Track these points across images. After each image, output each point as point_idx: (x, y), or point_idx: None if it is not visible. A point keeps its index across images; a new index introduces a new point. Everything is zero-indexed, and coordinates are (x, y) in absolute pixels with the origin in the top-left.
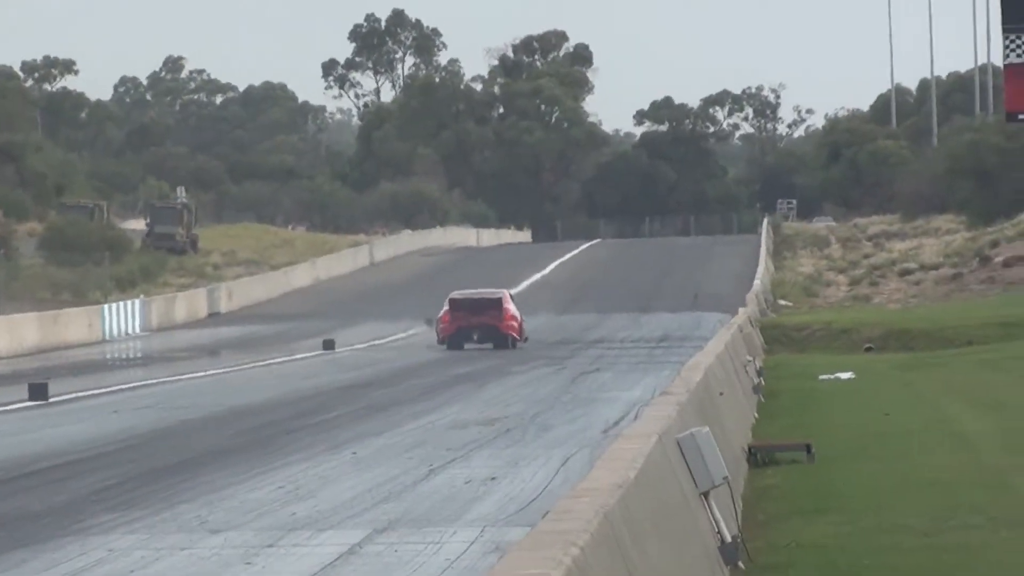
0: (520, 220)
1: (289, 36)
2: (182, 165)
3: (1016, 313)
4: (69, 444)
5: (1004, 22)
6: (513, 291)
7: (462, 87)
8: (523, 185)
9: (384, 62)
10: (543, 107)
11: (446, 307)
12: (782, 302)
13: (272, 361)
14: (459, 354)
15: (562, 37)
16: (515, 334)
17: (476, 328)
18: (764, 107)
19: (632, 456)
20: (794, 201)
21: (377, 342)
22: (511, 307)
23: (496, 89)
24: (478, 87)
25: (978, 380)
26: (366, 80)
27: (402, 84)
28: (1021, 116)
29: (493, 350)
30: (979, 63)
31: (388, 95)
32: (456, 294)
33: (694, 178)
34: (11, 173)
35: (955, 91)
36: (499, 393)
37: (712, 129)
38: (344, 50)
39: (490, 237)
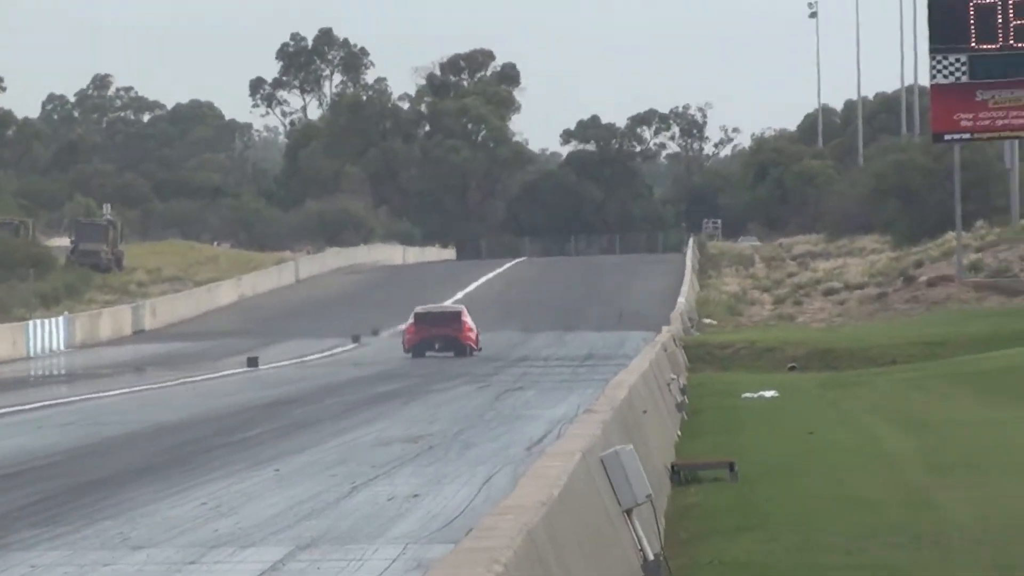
0: (446, 238)
1: (216, 54)
2: (109, 182)
3: (940, 332)
4: None
5: (931, 43)
6: None
7: (389, 105)
8: (449, 203)
9: (311, 80)
10: (470, 126)
11: (411, 320)
12: (707, 321)
13: (196, 378)
14: (381, 373)
15: (489, 56)
16: (472, 344)
17: (438, 338)
18: (691, 127)
19: (556, 474)
20: (719, 220)
21: (302, 359)
22: (468, 320)
23: (423, 107)
24: (405, 105)
25: (902, 399)
26: (293, 98)
27: (329, 102)
28: (948, 136)
29: (436, 360)
30: (906, 84)
31: (315, 113)
32: (420, 308)
33: (620, 197)
34: None
35: (881, 111)
36: (423, 411)
37: (639, 148)
38: (271, 68)
39: (415, 255)
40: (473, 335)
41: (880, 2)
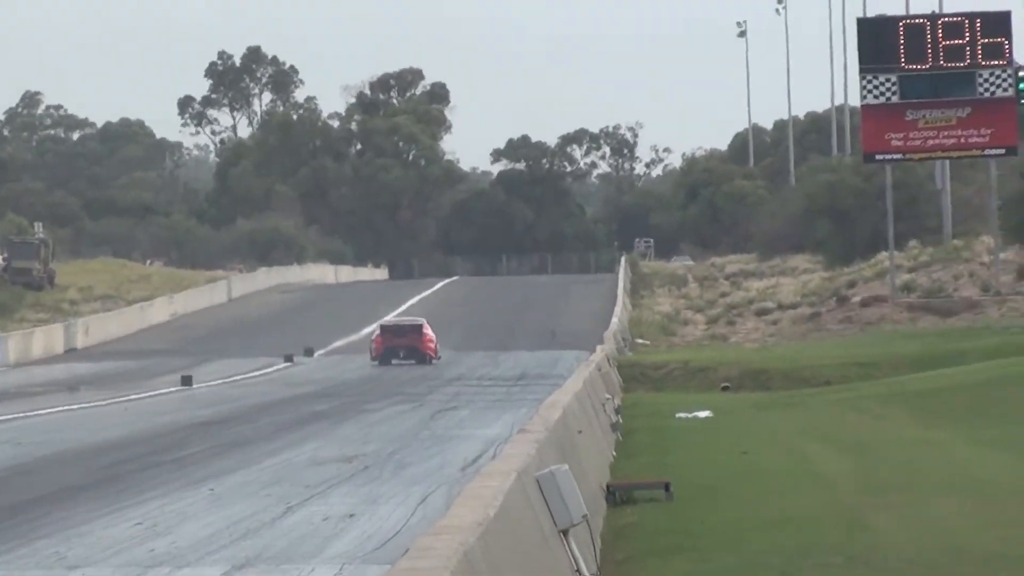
0: (377, 257)
1: (146, 72)
2: (39, 201)
3: (873, 353)
4: None
5: (861, 63)
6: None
7: (319, 124)
8: (380, 222)
9: (240, 99)
10: (400, 144)
11: (377, 331)
12: (640, 341)
13: (129, 397)
14: (315, 392)
15: (418, 75)
16: (432, 352)
17: (402, 348)
18: (622, 146)
19: (491, 494)
20: (652, 240)
21: (235, 378)
22: (429, 332)
23: (353, 126)
24: (335, 124)
25: (835, 420)
26: (223, 117)
27: (259, 121)
28: (879, 156)
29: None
30: (836, 103)
31: (245, 132)
32: (385, 321)
33: (551, 216)
34: None
35: (812, 131)
36: (356, 430)
37: (569, 168)
38: (200, 87)
39: (347, 274)
40: (433, 345)
41: (810, 21)
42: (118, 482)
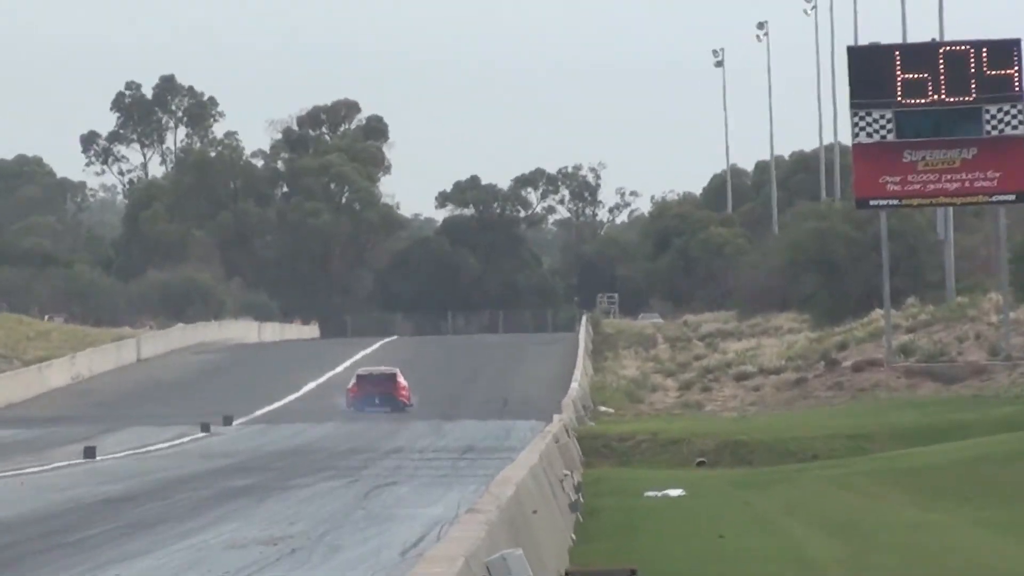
0: (307, 313)
1: (46, 104)
2: None
3: (866, 424)
4: None
5: (853, 97)
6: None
7: (241, 163)
8: (310, 274)
9: (152, 134)
10: (332, 186)
11: (354, 381)
12: (603, 409)
13: (25, 470)
14: (234, 465)
15: (354, 108)
16: (406, 400)
17: (377, 395)
18: (582, 189)
19: None
20: (616, 295)
21: (145, 450)
22: (402, 380)
23: (280, 165)
24: (259, 163)
25: (824, 499)
26: (132, 154)
27: (173, 159)
28: (872, 202)
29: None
30: (824, 142)
31: (158, 171)
32: (362, 371)
33: (503, 268)
34: None
35: (798, 172)
36: (282, 508)
37: (524, 213)
38: (107, 121)
39: (273, 332)
40: (406, 393)
41: (795, 49)
42: (11, 568)
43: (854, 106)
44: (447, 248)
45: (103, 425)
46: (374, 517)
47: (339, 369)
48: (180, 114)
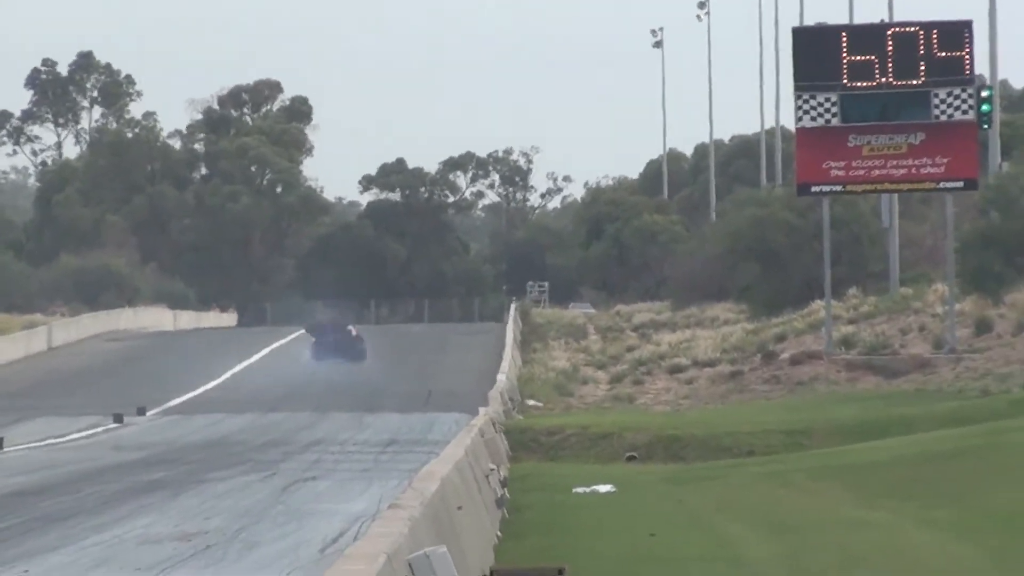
0: (225, 301)
1: None
2: None
3: (804, 419)
4: None
5: (797, 79)
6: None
7: (158, 144)
8: (228, 260)
9: (67, 113)
10: (253, 168)
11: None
12: (531, 402)
13: None
14: (148, 458)
15: (276, 88)
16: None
17: (337, 345)
18: (513, 173)
19: None
20: (546, 284)
21: (54, 441)
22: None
23: (198, 147)
24: (177, 144)
25: (761, 496)
26: (46, 134)
27: (88, 139)
28: (815, 188)
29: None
30: (766, 126)
31: (72, 152)
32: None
33: (429, 255)
34: None
35: (738, 157)
36: (197, 503)
37: (452, 198)
38: (20, 99)
39: (189, 320)
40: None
41: (737, 30)
42: None
43: (798, 89)
44: (371, 234)
45: (12, 415)
46: (293, 512)
47: (256, 358)
48: (96, 93)
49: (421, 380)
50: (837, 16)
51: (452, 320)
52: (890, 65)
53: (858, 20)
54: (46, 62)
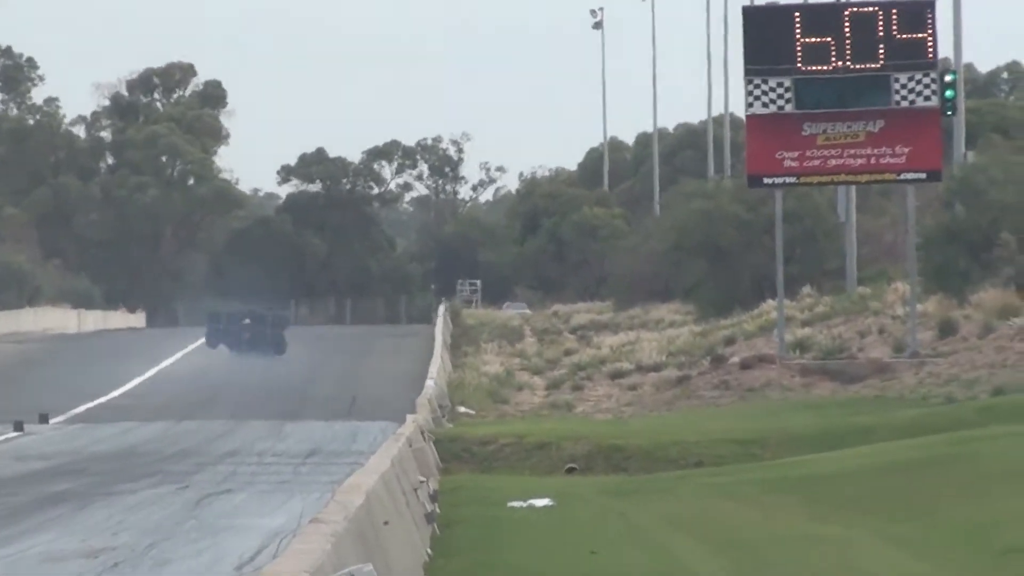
0: (133, 300)
1: None
2: None
3: (757, 427)
4: None
5: (747, 63)
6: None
7: (62, 131)
8: (137, 257)
9: None
10: (163, 159)
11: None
12: (462, 409)
13: None
14: (52, 468)
15: (189, 72)
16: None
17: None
18: (443, 163)
19: None
20: (478, 282)
21: None
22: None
23: (105, 135)
24: (82, 132)
25: (709, 510)
26: None
27: None
28: (767, 180)
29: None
30: (713, 113)
31: None
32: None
33: (353, 252)
34: None
35: (684, 147)
36: (104, 517)
37: (377, 190)
38: None
39: (95, 321)
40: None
41: (683, 9)
42: None
43: (748, 73)
44: (290, 229)
45: None
46: (207, 528)
47: (168, 362)
48: None
49: (344, 386)
50: None
51: (377, 321)
52: (847, 47)
53: None
54: None
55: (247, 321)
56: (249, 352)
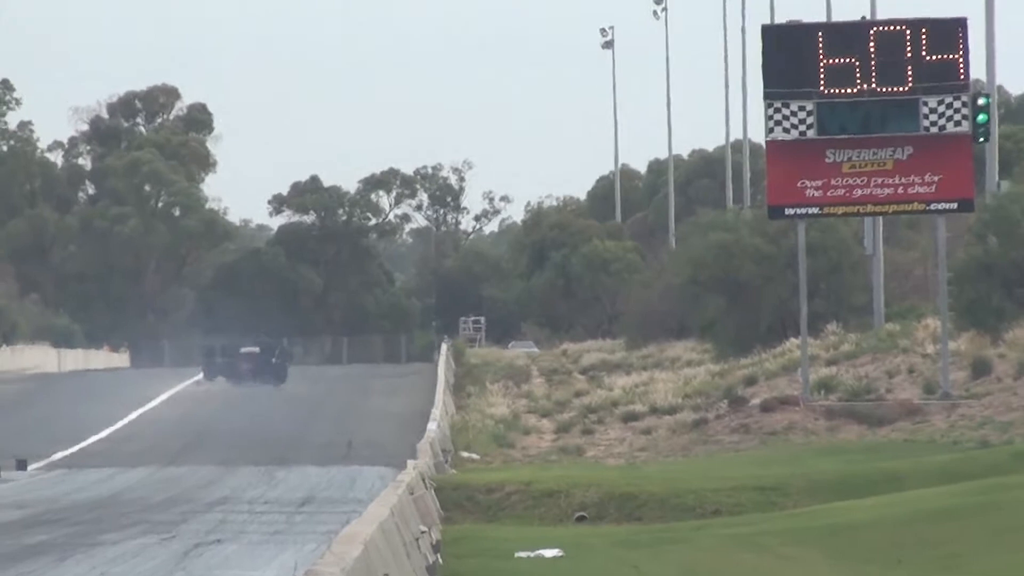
0: (116, 338)
1: None
2: None
3: (778, 474)
4: None
5: (767, 85)
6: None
7: (37, 158)
8: (119, 292)
9: None
10: (146, 187)
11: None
12: (466, 454)
13: None
14: (30, 518)
15: (173, 95)
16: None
17: (254, 369)
18: (444, 193)
19: None
20: (482, 320)
21: None
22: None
23: (83, 162)
24: (59, 160)
25: (728, 563)
26: None
27: None
28: (788, 211)
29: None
30: (732, 139)
31: None
32: (244, 350)
33: (349, 287)
34: None
35: (700, 175)
36: (87, 569)
37: (374, 221)
38: None
39: (76, 360)
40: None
41: (699, 28)
42: None
43: (768, 96)
44: (283, 262)
45: None
46: None
47: (154, 403)
48: None
49: (341, 429)
50: (813, 13)
51: (375, 360)
52: (873, 69)
53: (837, 18)
54: None
55: (253, 350)
56: (250, 382)
